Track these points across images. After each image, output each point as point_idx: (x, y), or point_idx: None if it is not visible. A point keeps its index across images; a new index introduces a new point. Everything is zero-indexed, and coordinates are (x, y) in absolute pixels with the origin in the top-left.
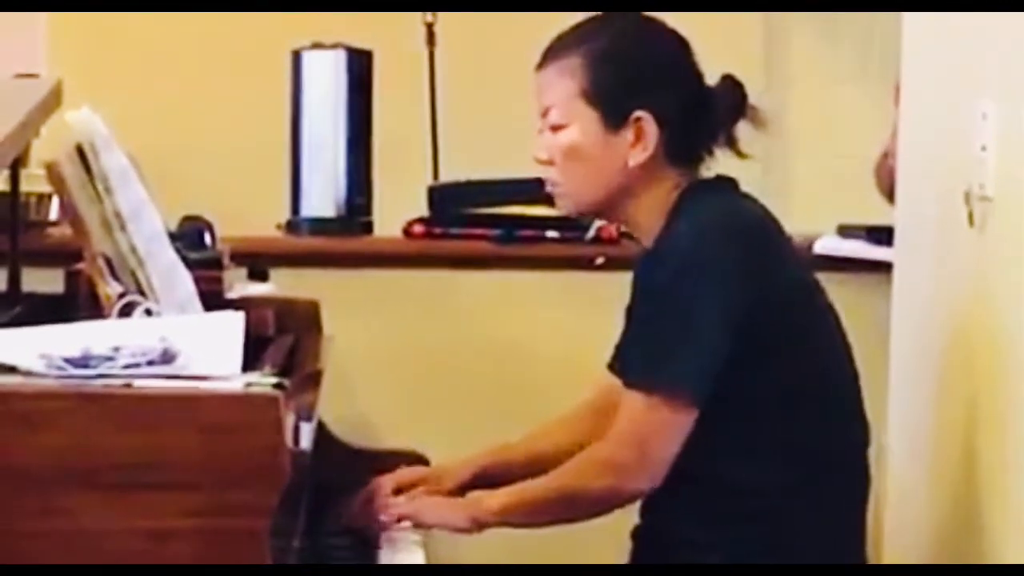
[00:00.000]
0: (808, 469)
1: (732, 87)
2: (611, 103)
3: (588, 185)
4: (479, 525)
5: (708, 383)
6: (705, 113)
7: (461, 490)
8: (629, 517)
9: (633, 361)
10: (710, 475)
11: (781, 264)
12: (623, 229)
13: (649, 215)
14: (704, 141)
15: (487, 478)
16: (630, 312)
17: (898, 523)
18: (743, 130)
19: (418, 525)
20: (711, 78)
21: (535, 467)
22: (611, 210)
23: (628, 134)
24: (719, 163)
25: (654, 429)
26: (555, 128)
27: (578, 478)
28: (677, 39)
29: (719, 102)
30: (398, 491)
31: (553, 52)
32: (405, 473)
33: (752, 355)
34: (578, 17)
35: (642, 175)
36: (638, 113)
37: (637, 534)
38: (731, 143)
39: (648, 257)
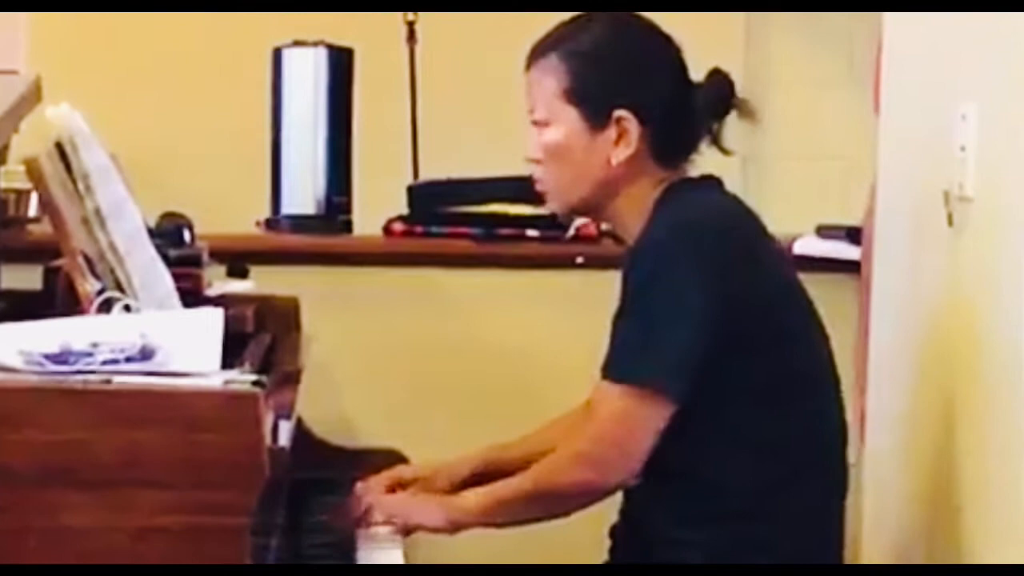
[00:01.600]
0: (786, 467)
1: (719, 82)
2: (592, 102)
3: (572, 183)
4: (456, 526)
5: (685, 378)
6: (689, 110)
7: (454, 490)
8: (607, 515)
9: (611, 355)
10: (689, 472)
11: (760, 263)
12: (604, 228)
13: (632, 213)
14: (688, 138)
15: (483, 477)
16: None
17: (875, 520)
18: (731, 127)
19: (397, 526)
20: (694, 77)
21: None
22: (596, 208)
23: (611, 132)
24: (703, 161)
25: (630, 423)
26: (540, 126)
27: (554, 474)
28: (661, 37)
29: (705, 98)
30: (392, 490)
31: (537, 51)
32: (397, 472)
33: (731, 352)
34: (559, 17)
35: (626, 173)
36: (619, 112)
37: (615, 532)
38: (715, 140)
39: (629, 254)
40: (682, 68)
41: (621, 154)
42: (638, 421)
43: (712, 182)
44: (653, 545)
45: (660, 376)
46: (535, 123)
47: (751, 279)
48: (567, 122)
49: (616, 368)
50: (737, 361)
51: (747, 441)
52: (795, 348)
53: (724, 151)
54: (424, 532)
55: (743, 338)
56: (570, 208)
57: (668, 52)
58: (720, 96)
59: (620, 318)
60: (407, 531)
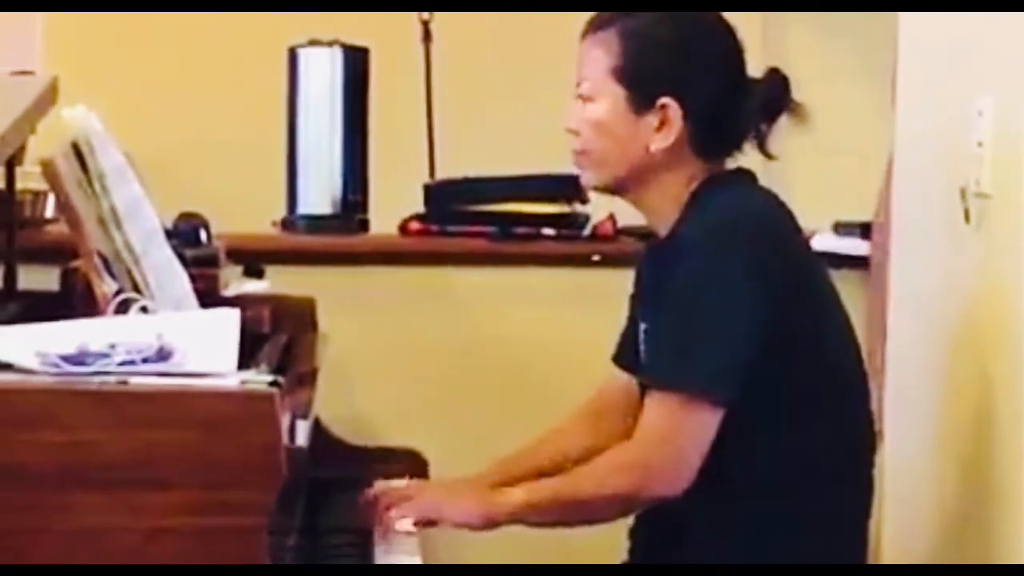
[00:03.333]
0: (814, 472)
1: (775, 83)
2: (640, 85)
3: (608, 161)
4: (492, 523)
5: (734, 383)
6: (738, 108)
7: None
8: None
9: (660, 361)
10: (716, 476)
11: (798, 261)
12: (619, 226)
13: (664, 202)
14: (732, 136)
15: None
16: (633, 301)
17: (897, 522)
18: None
19: (428, 523)
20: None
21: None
22: (628, 190)
23: (653, 118)
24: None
25: (685, 429)
26: (585, 99)
27: (599, 481)
28: (724, 32)
29: (757, 97)
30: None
31: (595, 23)
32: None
33: (774, 355)
34: (574, 17)
35: (663, 161)
36: (664, 100)
37: (634, 534)
38: (760, 141)
39: (668, 252)
40: (739, 65)
41: (661, 142)
42: (695, 429)
43: (745, 177)
44: (674, 546)
45: (709, 382)
46: (580, 96)
47: (792, 279)
48: (612, 100)
49: (665, 374)
50: (779, 363)
51: (778, 445)
52: (832, 349)
53: (767, 155)
54: (450, 527)
55: (786, 339)
56: (602, 184)
57: (726, 47)
58: (773, 97)
59: (664, 322)
60: (434, 524)
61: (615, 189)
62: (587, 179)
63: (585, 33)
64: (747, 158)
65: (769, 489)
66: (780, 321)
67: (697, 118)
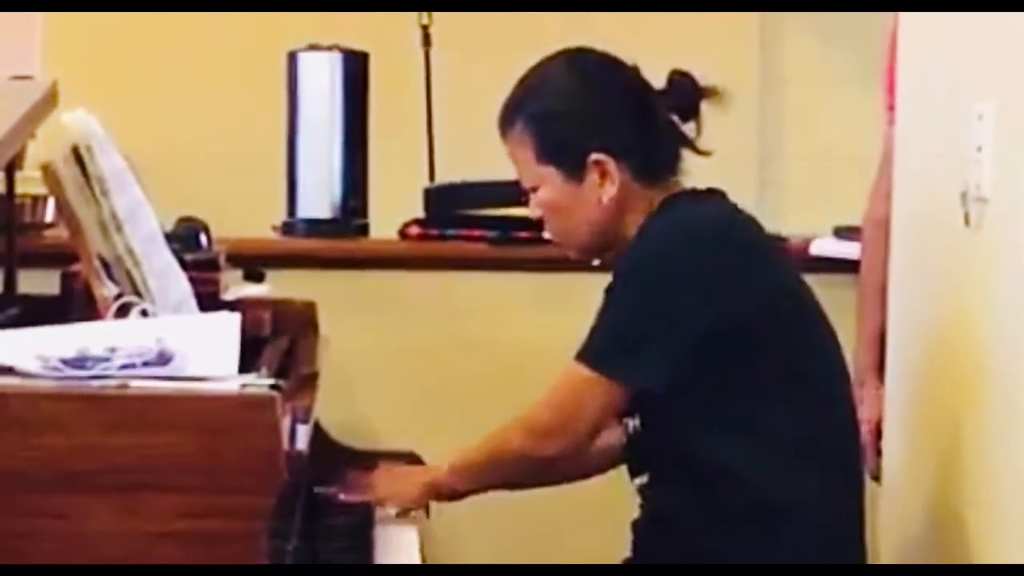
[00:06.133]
0: (804, 458)
1: (680, 84)
2: (565, 157)
3: (576, 231)
4: (434, 492)
5: (648, 371)
6: (658, 127)
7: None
8: (630, 509)
9: (588, 339)
10: (709, 464)
11: (760, 262)
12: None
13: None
14: (666, 153)
15: None
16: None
17: (893, 519)
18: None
19: (375, 502)
20: (709, 79)
21: None
22: (607, 244)
23: (593, 176)
24: (717, 165)
25: (581, 401)
26: (532, 190)
27: (509, 437)
28: (613, 66)
29: (668, 105)
30: None
31: (503, 123)
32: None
33: (734, 351)
34: (574, 18)
35: (620, 203)
36: (594, 156)
37: (637, 526)
38: (687, 143)
39: (622, 256)
40: (640, 90)
41: (609, 192)
42: (584, 403)
43: (714, 195)
44: (673, 537)
45: (620, 366)
46: (527, 189)
47: (749, 279)
48: (551, 181)
49: (584, 348)
50: (743, 359)
51: (764, 437)
52: (803, 347)
53: (701, 152)
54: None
55: (745, 336)
56: (585, 252)
57: (623, 80)
58: (684, 99)
59: (602, 309)
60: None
61: (597, 251)
62: (572, 255)
63: (501, 132)
64: (742, 165)
65: (757, 481)
66: (735, 316)
67: (628, 154)
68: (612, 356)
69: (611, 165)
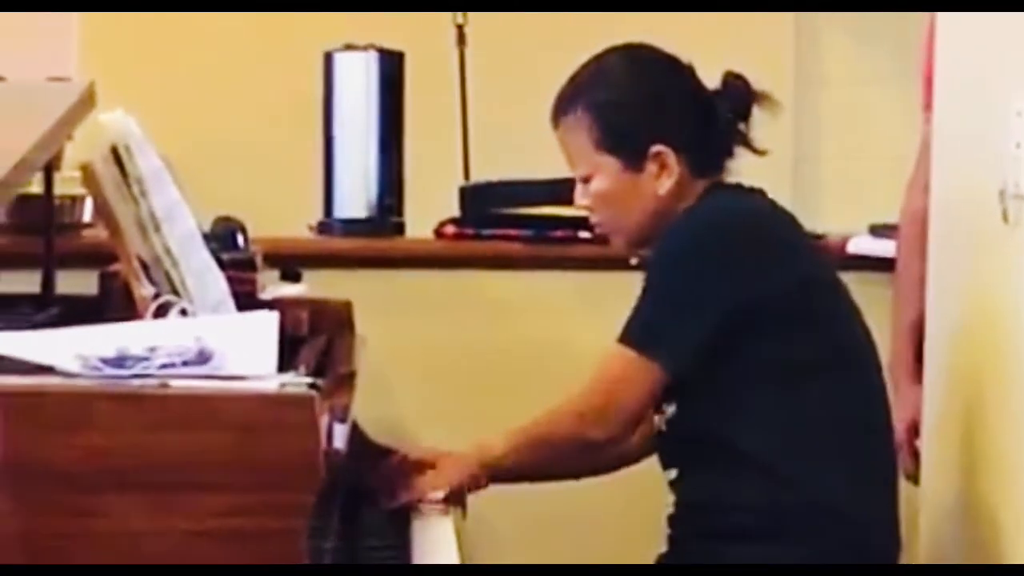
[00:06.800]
0: (837, 452)
1: (734, 85)
2: (627, 147)
3: (628, 222)
4: (488, 472)
5: (684, 357)
6: (715, 121)
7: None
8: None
9: (629, 319)
10: (741, 456)
11: (791, 252)
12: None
13: None
14: (721, 147)
15: None
16: None
17: (932, 523)
18: (775, 126)
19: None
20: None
21: None
22: (655, 236)
23: (652, 168)
24: (756, 166)
25: (629, 382)
26: (584, 179)
27: (560, 419)
28: (668, 62)
29: (724, 105)
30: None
31: (560, 110)
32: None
33: (758, 337)
34: (607, 18)
35: (674, 195)
36: (655, 148)
37: (672, 520)
38: (745, 141)
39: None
40: (697, 86)
41: (666, 184)
42: (629, 384)
43: (754, 192)
44: (713, 531)
45: (660, 348)
46: (579, 177)
47: (784, 267)
48: (609, 171)
49: (625, 330)
50: (777, 345)
51: (799, 428)
52: (838, 339)
53: (756, 151)
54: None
55: (779, 323)
56: (635, 243)
57: (682, 75)
58: (739, 99)
59: (642, 293)
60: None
61: (646, 242)
62: (618, 245)
63: (555, 121)
64: (775, 167)
65: (786, 467)
66: (763, 305)
67: (687, 148)
68: (650, 338)
69: (671, 158)
